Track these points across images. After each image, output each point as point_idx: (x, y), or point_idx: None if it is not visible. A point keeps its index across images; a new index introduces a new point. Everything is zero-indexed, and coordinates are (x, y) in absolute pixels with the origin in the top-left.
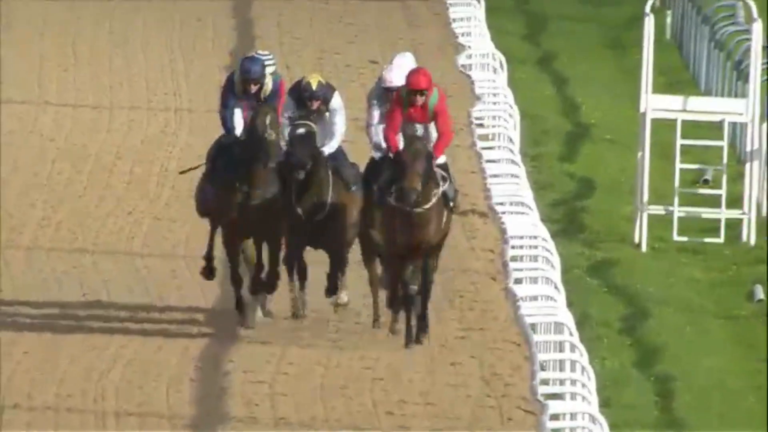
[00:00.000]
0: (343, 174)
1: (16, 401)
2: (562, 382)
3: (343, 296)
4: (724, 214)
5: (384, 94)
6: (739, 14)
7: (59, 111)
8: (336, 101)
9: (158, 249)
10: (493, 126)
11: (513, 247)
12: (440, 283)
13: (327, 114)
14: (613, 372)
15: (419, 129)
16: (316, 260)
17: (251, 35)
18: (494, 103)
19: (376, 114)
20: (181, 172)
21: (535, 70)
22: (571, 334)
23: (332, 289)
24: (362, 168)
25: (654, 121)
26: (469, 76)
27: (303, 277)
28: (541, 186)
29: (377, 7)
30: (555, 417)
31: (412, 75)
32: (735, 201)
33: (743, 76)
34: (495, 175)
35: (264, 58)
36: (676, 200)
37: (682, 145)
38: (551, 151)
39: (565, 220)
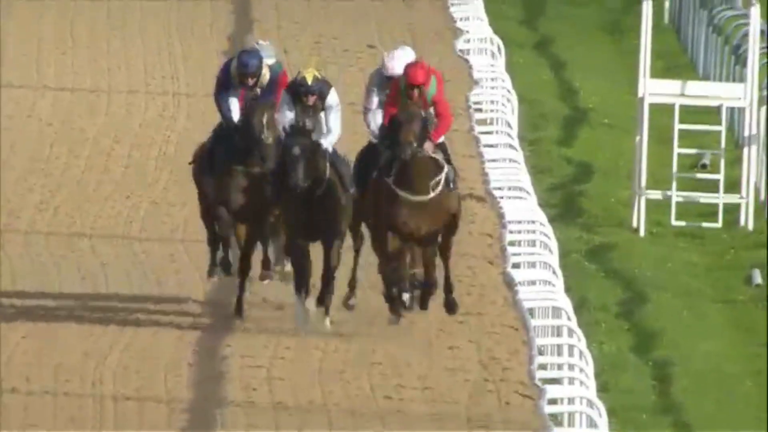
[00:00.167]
0: (338, 171)
1: (14, 385)
2: (559, 367)
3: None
4: (722, 198)
5: (384, 82)
6: None
7: (57, 95)
8: (332, 98)
9: (156, 233)
10: (491, 110)
11: (511, 232)
12: (439, 266)
13: (322, 112)
14: (610, 356)
15: None
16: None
17: (249, 19)
18: (492, 88)
19: (375, 100)
20: (191, 163)
21: (533, 55)
22: (568, 319)
23: (322, 299)
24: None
25: (652, 105)
26: (467, 61)
27: (307, 284)
28: (539, 170)
29: None
30: (553, 401)
31: (410, 68)
32: (733, 185)
33: (741, 60)
34: (493, 160)
35: (263, 50)
36: (674, 185)
37: (680, 130)
38: (549, 136)
39: (563, 204)
